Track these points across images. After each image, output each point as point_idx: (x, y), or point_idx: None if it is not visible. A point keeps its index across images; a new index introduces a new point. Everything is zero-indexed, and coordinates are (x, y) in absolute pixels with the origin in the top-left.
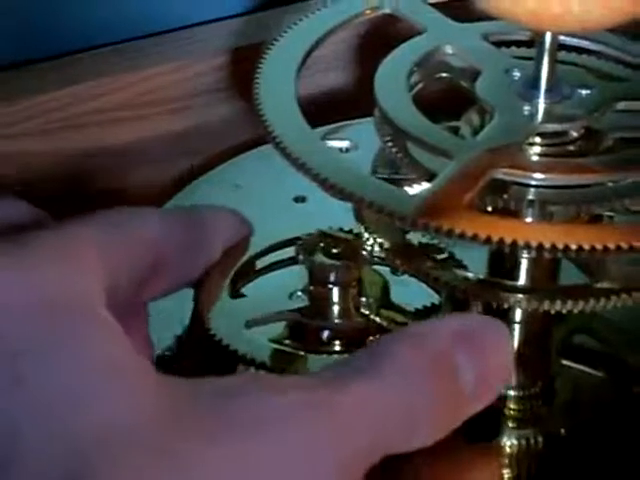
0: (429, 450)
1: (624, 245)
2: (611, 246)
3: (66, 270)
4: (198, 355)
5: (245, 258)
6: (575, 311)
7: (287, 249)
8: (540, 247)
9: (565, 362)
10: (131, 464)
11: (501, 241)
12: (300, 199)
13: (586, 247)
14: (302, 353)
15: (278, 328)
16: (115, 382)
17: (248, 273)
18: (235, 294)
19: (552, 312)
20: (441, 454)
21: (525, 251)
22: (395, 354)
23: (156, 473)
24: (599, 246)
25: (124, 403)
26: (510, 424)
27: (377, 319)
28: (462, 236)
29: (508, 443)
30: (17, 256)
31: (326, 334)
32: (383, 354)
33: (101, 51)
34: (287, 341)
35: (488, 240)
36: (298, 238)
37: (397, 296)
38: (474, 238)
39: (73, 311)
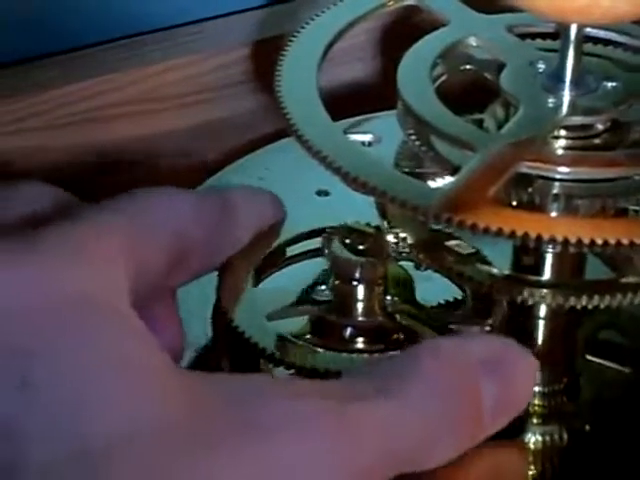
0: None
1: None
2: (637, 241)
3: (83, 267)
4: (222, 344)
5: (270, 248)
6: (601, 306)
7: (311, 240)
8: (566, 242)
9: (590, 358)
10: (144, 471)
11: (526, 235)
12: (323, 192)
13: (612, 242)
14: (322, 350)
15: (300, 322)
16: (130, 383)
17: (273, 263)
18: (259, 284)
19: (578, 307)
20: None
21: (550, 246)
22: (422, 370)
23: None
24: (625, 241)
25: (139, 405)
26: (535, 420)
27: (401, 318)
28: (486, 230)
29: (532, 439)
30: (33, 253)
31: (349, 331)
32: (408, 371)
33: (111, 46)
34: (309, 336)
35: (512, 234)
36: (324, 230)
37: (421, 291)
38: (498, 232)
39: (88, 310)
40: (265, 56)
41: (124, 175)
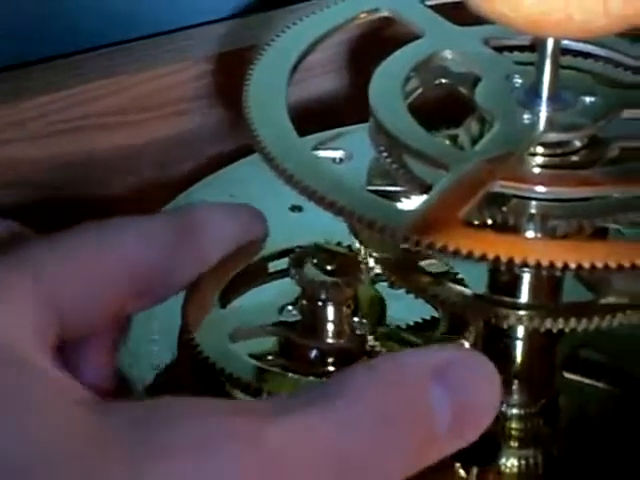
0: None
1: (626, 263)
2: (612, 265)
3: None
4: (187, 365)
5: (242, 267)
6: (579, 329)
7: (284, 260)
8: (538, 265)
9: (569, 376)
10: None
11: (497, 259)
12: (297, 208)
13: (586, 266)
14: (289, 375)
15: (267, 344)
16: (27, 423)
17: (241, 283)
18: (227, 303)
19: (554, 331)
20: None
21: (522, 269)
22: (350, 388)
23: None
24: (600, 264)
25: (34, 440)
26: (511, 444)
27: (371, 339)
28: (456, 253)
29: (508, 464)
30: None
31: (314, 353)
32: (338, 387)
33: (89, 55)
34: (275, 358)
35: (483, 257)
36: (291, 250)
37: (394, 311)
38: (469, 255)
39: None
40: (237, 67)
41: (101, 186)
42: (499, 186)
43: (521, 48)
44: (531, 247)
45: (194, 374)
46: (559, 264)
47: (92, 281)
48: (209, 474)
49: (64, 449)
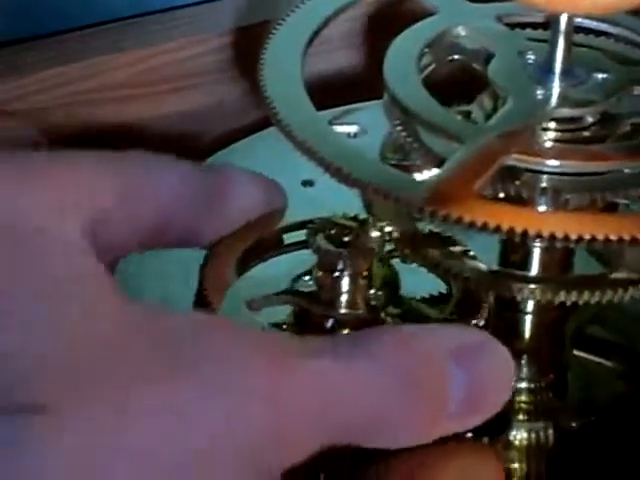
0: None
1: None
2: (626, 237)
3: (41, 192)
4: None
5: (259, 237)
6: (592, 302)
7: (297, 232)
8: (552, 237)
9: (578, 353)
10: (70, 387)
11: (511, 230)
12: (308, 183)
13: (600, 237)
14: None
15: (283, 312)
16: (66, 299)
17: (255, 254)
18: (244, 273)
19: (568, 303)
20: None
21: (537, 241)
22: (379, 345)
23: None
24: (613, 237)
25: (73, 319)
26: (521, 417)
27: (384, 311)
28: (471, 224)
29: (518, 437)
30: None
31: (330, 323)
32: (366, 340)
33: (105, 27)
34: (289, 327)
35: (498, 229)
36: (309, 222)
37: (406, 285)
38: (483, 227)
39: (36, 232)
40: (252, 42)
41: None
42: (513, 159)
43: (533, 25)
44: (545, 219)
45: None
46: (573, 236)
47: (134, 200)
48: (217, 406)
49: (96, 329)
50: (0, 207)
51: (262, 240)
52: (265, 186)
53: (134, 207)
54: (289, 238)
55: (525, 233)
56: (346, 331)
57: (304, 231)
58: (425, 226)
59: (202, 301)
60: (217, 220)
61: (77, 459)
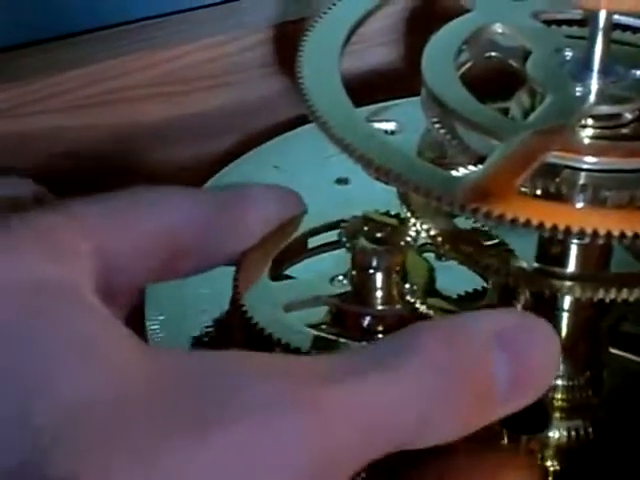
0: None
1: None
2: None
3: (44, 254)
4: (236, 338)
5: (287, 241)
6: (630, 299)
7: (331, 232)
8: (595, 234)
9: (614, 350)
10: (104, 435)
11: (554, 227)
12: (342, 181)
13: None
14: (341, 340)
15: (318, 313)
16: (92, 361)
17: (290, 256)
18: (276, 276)
19: (606, 301)
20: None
21: (579, 238)
22: (420, 346)
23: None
24: None
25: (98, 377)
26: (558, 415)
27: (421, 306)
28: (514, 222)
29: (556, 435)
30: None
31: (367, 321)
32: (407, 345)
33: (135, 26)
34: (326, 327)
35: (541, 226)
36: (342, 221)
37: (441, 282)
38: (526, 224)
39: (47, 293)
40: (288, 39)
41: (139, 158)
42: (552, 157)
43: (569, 22)
44: (587, 216)
45: (245, 345)
46: (616, 233)
47: (136, 240)
48: (268, 442)
49: (127, 390)
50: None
51: (293, 243)
52: (279, 196)
53: (141, 246)
54: (324, 237)
55: (568, 230)
56: (382, 327)
57: (335, 231)
58: (464, 223)
59: (236, 309)
60: (235, 236)
61: None
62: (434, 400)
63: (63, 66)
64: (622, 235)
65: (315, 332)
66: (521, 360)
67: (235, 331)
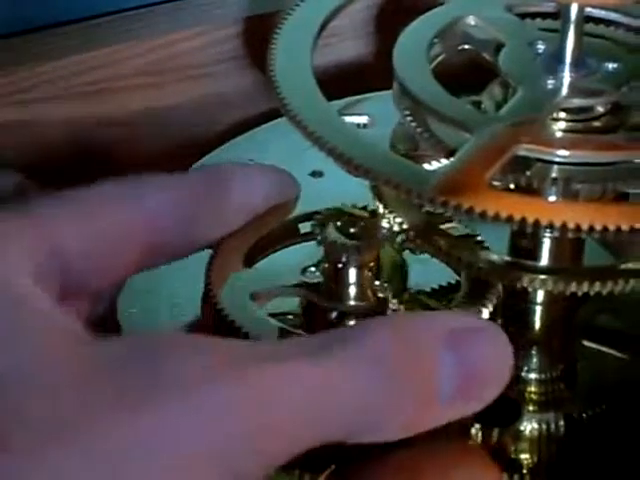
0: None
1: None
2: (638, 226)
3: None
4: (209, 326)
5: (268, 229)
6: (603, 293)
7: (304, 224)
8: (564, 227)
9: (587, 343)
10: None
11: (523, 221)
12: (317, 174)
13: (611, 227)
14: (304, 334)
15: (288, 304)
16: (24, 340)
17: (264, 246)
18: (249, 265)
19: (579, 294)
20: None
21: (548, 231)
22: (366, 337)
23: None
24: (625, 226)
25: (34, 358)
26: (531, 408)
27: (393, 303)
28: (483, 215)
29: (528, 427)
30: None
31: (335, 315)
32: (353, 336)
33: (118, 16)
34: (296, 319)
35: (510, 219)
36: (316, 213)
37: (415, 275)
38: (495, 217)
39: None
40: (261, 32)
41: (125, 148)
42: (523, 150)
43: (543, 15)
44: (557, 209)
45: (216, 334)
46: (585, 226)
47: (103, 237)
48: (197, 415)
49: (59, 376)
50: None
51: (272, 232)
52: (273, 178)
53: (111, 236)
54: (298, 229)
55: (537, 223)
56: (351, 322)
57: (308, 223)
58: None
59: (207, 295)
60: (215, 221)
61: None
62: (373, 392)
63: (39, 58)
64: (591, 228)
65: (278, 323)
66: (469, 364)
67: (207, 320)
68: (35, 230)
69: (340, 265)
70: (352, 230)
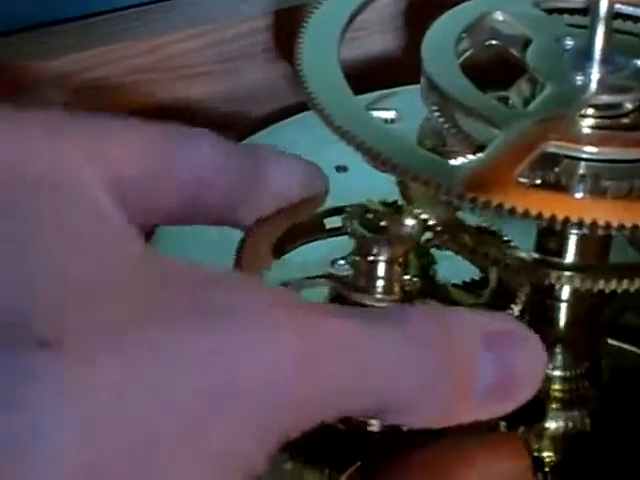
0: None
1: None
2: None
3: (59, 147)
4: None
5: (297, 221)
6: (631, 290)
7: (329, 219)
8: (594, 224)
9: (612, 341)
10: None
11: (553, 218)
12: (342, 169)
13: None
14: None
15: (317, 296)
16: (96, 247)
17: (292, 238)
18: (279, 256)
19: (606, 291)
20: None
21: (577, 228)
22: (409, 316)
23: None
24: None
25: (98, 265)
26: (555, 406)
27: (419, 297)
28: (512, 211)
29: (553, 425)
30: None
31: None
32: (398, 315)
33: (115, 15)
34: None
35: (539, 216)
36: (341, 208)
37: (442, 271)
38: (525, 214)
39: (52, 182)
40: (288, 26)
41: None
42: (552, 146)
43: (570, 11)
44: (586, 206)
45: None
46: (615, 223)
47: (155, 173)
48: (233, 353)
49: (120, 287)
50: (28, 160)
51: (301, 224)
52: (305, 169)
53: (165, 175)
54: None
55: (566, 220)
56: None
57: (340, 217)
58: (464, 213)
59: None
60: (255, 200)
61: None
62: (409, 370)
63: (46, 54)
64: (621, 226)
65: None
66: (505, 367)
67: None
68: (108, 145)
69: (370, 258)
70: (381, 224)
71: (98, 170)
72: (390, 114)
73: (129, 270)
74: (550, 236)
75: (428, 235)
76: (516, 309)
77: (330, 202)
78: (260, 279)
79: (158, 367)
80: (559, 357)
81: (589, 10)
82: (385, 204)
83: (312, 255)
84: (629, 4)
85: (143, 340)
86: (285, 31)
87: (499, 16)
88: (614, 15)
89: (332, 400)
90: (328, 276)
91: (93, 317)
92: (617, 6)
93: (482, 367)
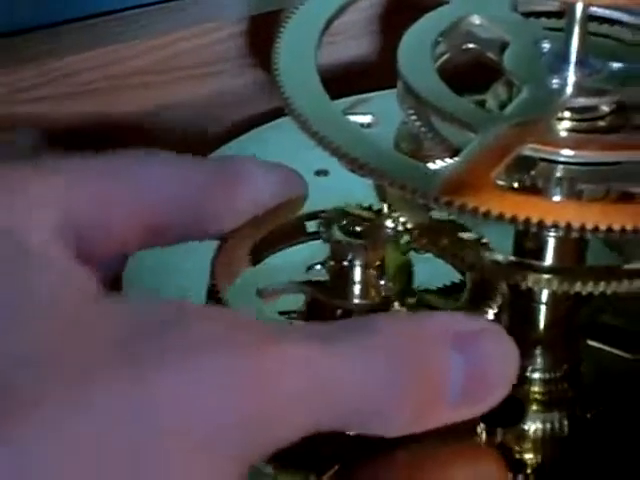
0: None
1: None
2: None
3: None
4: None
5: (274, 226)
6: (608, 292)
7: (309, 223)
8: (568, 227)
9: (592, 343)
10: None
11: (527, 220)
12: (322, 172)
13: (616, 227)
14: None
15: (294, 301)
16: (37, 291)
17: (270, 243)
18: (255, 262)
19: (584, 294)
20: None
21: (552, 231)
22: (377, 329)
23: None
24: (629, 226)
25: (51, 327)
26: (535, 407)
27: (397, 302)
28: (487, 215)
29: (532, 427)
30: None
31: (340, 313)
32: (364, 326)
33: (118, 16)
34: (300, 315)
35: (514, 219)
36: (322, 211)
37: (420, 274)
38: (499, 217)
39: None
40: (264, 31)
41: (123, 147)
42: (528, 149)
43: (548, 14)
44: (561, 209)
45: None
46: (590, 226)
47: (109, 206)
48: (191, 381)
49: (68, 331)
50: None
51: (278, 229)
52: (281, 175)
53: (118, 209)
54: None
55: (541, 223)
56: None
57: (313, 222)
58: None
59: (213, 291)
60: (228, 211)
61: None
62: (381, 382)
63: (42, 56)
64: (596, 228)
65: (285, 320)
66: (475, 366)
67: None
68: (55, 186)
69: (346, 264)
70: (357, 229)
71: (46, 215)
72: (367, 118)
73: (71, 317)
74: (528, 239)
75: (406, 238)
76: (491, 312)
77: (311, 206)
78: (219, 309)
79: (109, 413)
80: (538, 359)
81: (565, 13)
82: (364, 208)
83: (290, 259)
84: (604, 7)
85: (95, 399)
86: (263, 36)
87: (476, 20)
88: (590, 18)
89: (295, 420)
90: (305, 281)
91: (35, 366)
92: (592, 9)
93: (453, 370)
